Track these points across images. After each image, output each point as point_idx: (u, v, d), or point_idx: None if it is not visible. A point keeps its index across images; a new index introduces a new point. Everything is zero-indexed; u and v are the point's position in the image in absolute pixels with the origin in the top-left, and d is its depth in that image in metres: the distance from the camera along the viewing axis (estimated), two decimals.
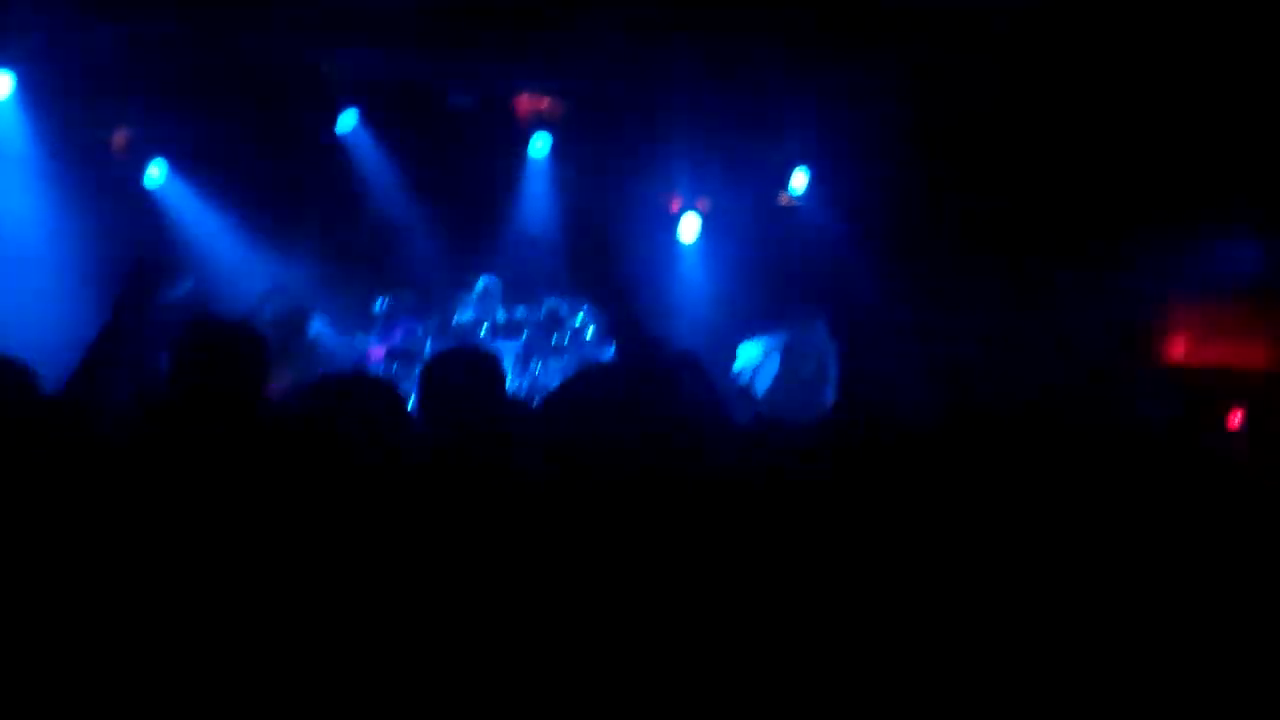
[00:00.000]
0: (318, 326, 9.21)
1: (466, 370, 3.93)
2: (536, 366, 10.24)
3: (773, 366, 9.21)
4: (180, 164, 10.69)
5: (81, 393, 3.65)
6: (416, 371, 9.92)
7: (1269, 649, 3.23)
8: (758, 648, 3.09)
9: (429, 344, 10.17)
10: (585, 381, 3.69)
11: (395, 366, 9.99)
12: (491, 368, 3.92)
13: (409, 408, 3.63)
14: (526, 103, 11.41)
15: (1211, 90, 9.51)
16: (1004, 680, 3.16)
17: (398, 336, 10.17)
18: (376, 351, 9.98)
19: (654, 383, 3.61)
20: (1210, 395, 10.67)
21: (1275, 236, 10.86)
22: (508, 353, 10.38)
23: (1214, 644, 3.23)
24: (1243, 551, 3.47)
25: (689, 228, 11.66)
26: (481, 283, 10.60)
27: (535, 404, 5.82)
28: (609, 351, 10.39)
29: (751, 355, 9.36)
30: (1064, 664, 3.18)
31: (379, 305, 10.36)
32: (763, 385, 9.15)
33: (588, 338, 10.47)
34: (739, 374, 9.18)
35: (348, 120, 10.93)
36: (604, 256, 3.60)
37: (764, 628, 3.12)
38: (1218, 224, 10.81)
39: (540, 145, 11.42)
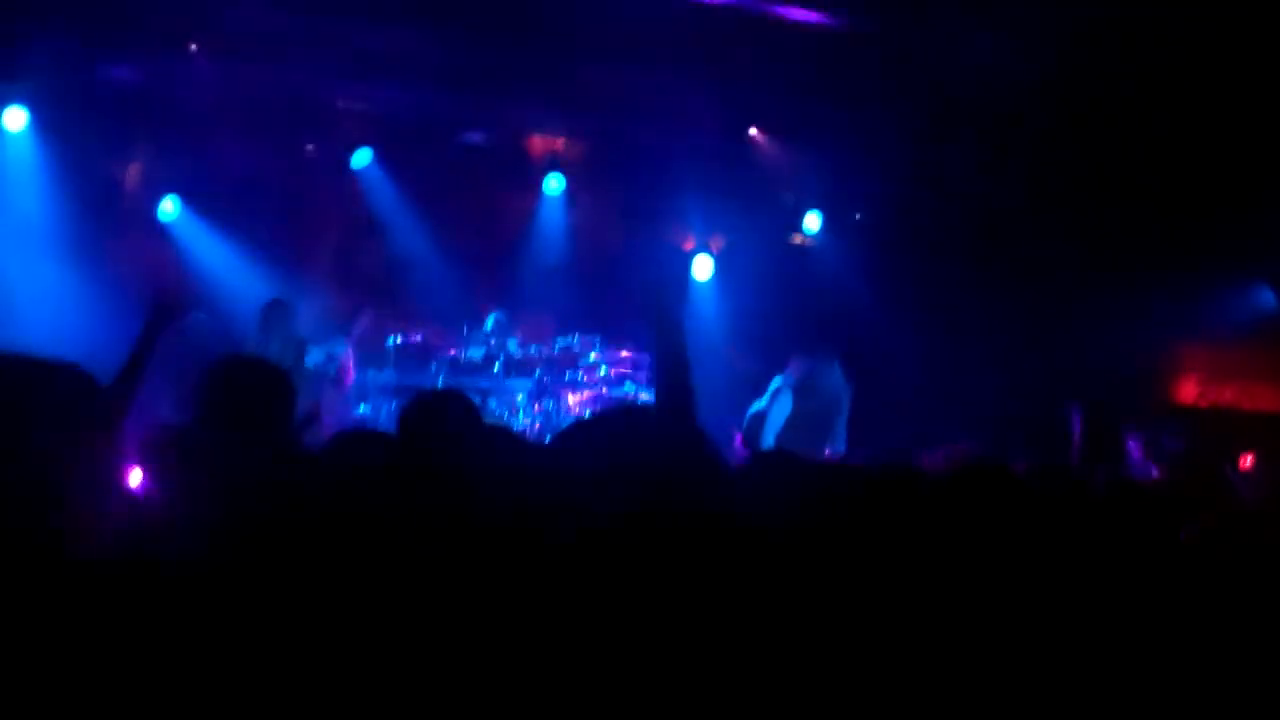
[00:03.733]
0: (339, 358, 9.27)
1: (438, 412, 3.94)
2: (549, 404, 10.22)
3: (785, 405, 9.24)
4: (194, 198, 10.71)
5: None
6: None
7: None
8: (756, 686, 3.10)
9: (441, 379, 10.18)
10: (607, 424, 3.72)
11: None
12: (463, 408, 3.93)
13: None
14: (540, 142, 11.47)
15: (1225, 139, 9.55)
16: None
17: (410, 371, 10.18)
18: (386, 388, 10.00)
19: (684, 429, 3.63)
20: (1221, 436, 10.68)
21: None
22: (520, 390, 10.37)
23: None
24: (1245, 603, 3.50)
25: (702, 266, 11.67)
26: (492, 318, 10.59)
27: (547, 441, 5.81)
28: (622, 389, 10.40)
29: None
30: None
31: (391, 341, 10.37)
32: (775, 423, 9.17)
33: (601, 374, 10.46)
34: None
35: (363, 156, 10.98)
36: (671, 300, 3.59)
37: (759, 667, 3.13)
38: (1230, 269, 10.85)
39: (555, 184, 11.46)
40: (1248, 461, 10.25)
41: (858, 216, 11.83)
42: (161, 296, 4.04)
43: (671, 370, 3.63)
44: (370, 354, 10.31)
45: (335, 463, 3.29)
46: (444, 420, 3.83)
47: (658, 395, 3.70)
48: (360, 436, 3.51)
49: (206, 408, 3.52)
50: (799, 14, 8.91)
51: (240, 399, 3.52)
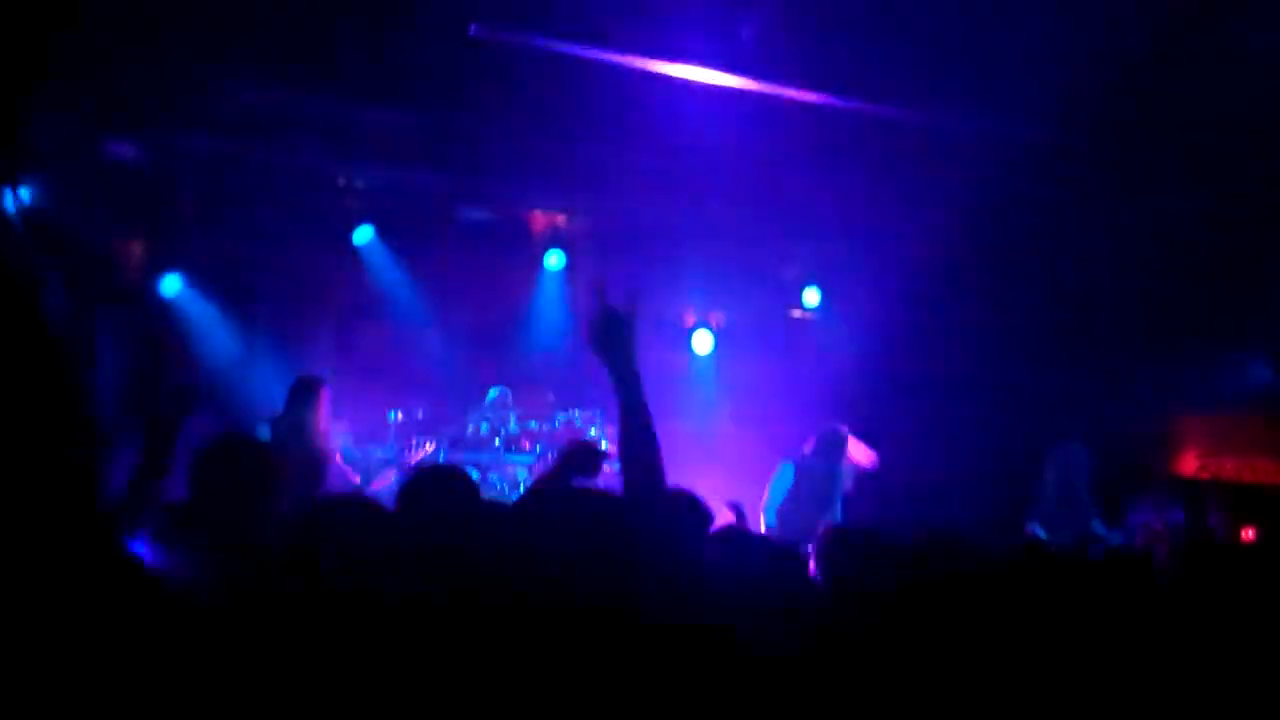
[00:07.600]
0: (382, 468, 9.26)
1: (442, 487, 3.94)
2: None
3: (785, 482, 9.19)
4: (195, 275, 10.75)
5: (125, 512, 3.69)
6: None
7: None
8: None
9: (443, 456, 10.17)
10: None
11: None
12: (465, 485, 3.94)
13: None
14: (542, 218, 11.54)
15: (1224, 211, 9.59)
16: None
17: (412, 449, 10.17)
18: (387, 474, 9.98)
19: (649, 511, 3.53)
20: (1221, 509, 10.63)
21: None
22: (520, 465, 10.37)
23: None
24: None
25: (702, 342, 11.69)
26: (493, 393, 10.62)
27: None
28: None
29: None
30: None
31: (392, 417, 10.38)
32: (774, 501, 9.12)
33: (602, 449, 10.43)
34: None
35: (364, 234, 11.05)
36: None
37: None
38: (1230, 341, 10.86)
39: (555, 260, 11.51)
40: (1249, 534, 10.21)
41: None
42: (174, 392, 4.05)
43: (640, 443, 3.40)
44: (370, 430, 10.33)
45: (308, 533, 3.27)
46: (445, 496, 3.85)
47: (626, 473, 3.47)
48: (335, 503, 3.50)
49: (198, 485, 3.57)
50: (802, 94, 8.94)
51: (228, 476, 3.56)
